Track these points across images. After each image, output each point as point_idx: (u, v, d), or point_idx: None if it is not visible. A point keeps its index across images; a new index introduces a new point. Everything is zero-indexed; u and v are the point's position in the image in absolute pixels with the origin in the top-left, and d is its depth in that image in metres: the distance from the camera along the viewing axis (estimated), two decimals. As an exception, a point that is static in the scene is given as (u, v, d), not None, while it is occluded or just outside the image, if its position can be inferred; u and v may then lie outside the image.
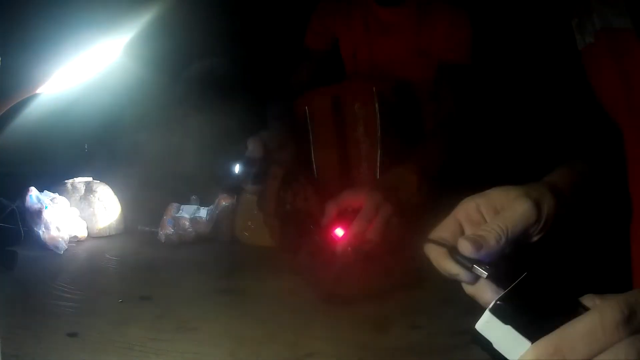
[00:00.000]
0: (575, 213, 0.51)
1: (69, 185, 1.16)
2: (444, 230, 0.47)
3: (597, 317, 0.29)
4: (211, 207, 1.14)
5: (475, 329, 0.35)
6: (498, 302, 0.34)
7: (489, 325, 0.34)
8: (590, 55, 0.56)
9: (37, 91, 0.68)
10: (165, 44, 1.26)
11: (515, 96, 1.32)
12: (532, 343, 0.31)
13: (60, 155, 1.41)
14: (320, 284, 0.67)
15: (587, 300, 0.33)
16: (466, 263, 0.41)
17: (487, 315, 0.34)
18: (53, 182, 1.17)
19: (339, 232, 0.77)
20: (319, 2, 1.27)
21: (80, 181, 1.19)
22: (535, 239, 0.46)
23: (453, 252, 0.43)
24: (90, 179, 1.21)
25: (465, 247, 0.41)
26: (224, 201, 1.13)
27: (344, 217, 0.78)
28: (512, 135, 1.32)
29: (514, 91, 1.32)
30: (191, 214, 1.11)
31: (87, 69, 0.73)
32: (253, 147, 0.89)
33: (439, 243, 0.45)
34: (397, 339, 0.62)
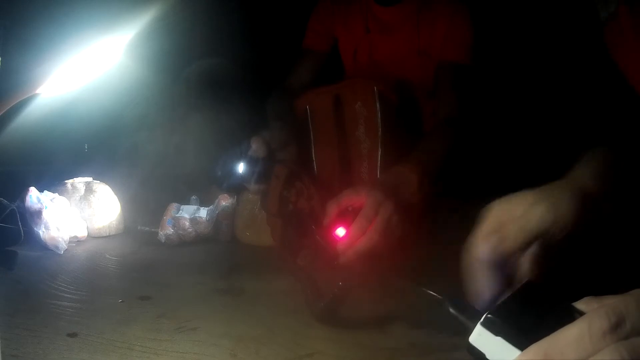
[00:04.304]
0: (609, 210, 0.48)
1: (69, 185, 1.16)
2: (489, 233, 0.44)
3: (585, 325, 0.29)
4: (211, 207, 1.14)
5: (469, 342, 0.35)
6: (489, 315, 0.35)
7: (481, 338, 0.35)
8: (614, 30, 0.55)
9: (37, 91, 0.68)
10: (165, 44, 1.26)
11: (532, 81, 1.32)
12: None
13: (60, 155, 1.41)
14: (318, 305, 0.66)
15: (584, 304, 0.33)
16: (465, 319, 0.37)
17: (478, 328, 0.35)
18: (53, 182, 1.17)
19: (340, 231, 0.77)
20: (318, 2, 1.27)
21: (80, 181, 1.19)
22: (560, 242, 0.43)
23: (447, 302, 0.39)
24: (90, 179, 1.21)
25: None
26: (224, 201, 1.13)
27: (344, 217, 0.78)
28: (528, 125, 1.33)
29: (532, 76, 1.32)
30: (191, 214, 1.11)
31: (88, 69, 0.73)
32: (256, 146, 0.89)
33: (430, 295, 0.43)
34: (397, 339, 0.62)
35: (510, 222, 0.44)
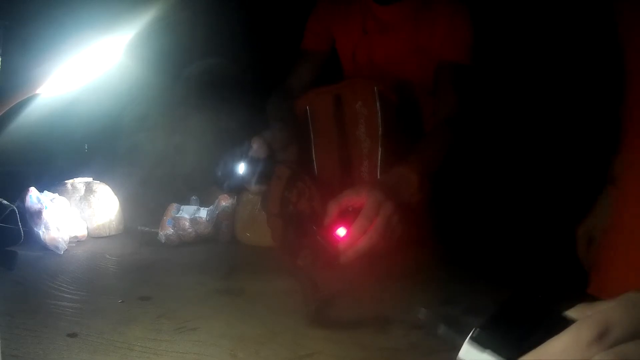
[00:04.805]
0: None
1: (69, 186, 1.16)
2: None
3: (573, 335, 0.30)
4: (211, 207, 1.14)
5: (459, 358, 0.36)
6: (476, 330, 0.35)
7: (469, 354, 0.35)
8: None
9: (37, 91, 0.68)
10: (166, 44, 1.26)
11: (533, 81, 1.33)
12: None
13: (60, 155, 1.41)
14: (309, 308, 0.66)
15: (576, 311, 0.34)
16: (455, 336, 0.38)
17: (466, 344, 0.35)
18: (53, 182, 1.16)
19: (341, 231, 0.77)
20: (317, 3, 1.27)
21: (80, 181, 1.19)
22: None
23: (438, 323, 0.41)
24: (90, 179, 1.21)
25: None
26: (224, 201, 1.13)
27: (345, 217, 0.78)
28: (528, 125, 1.34)
29: (533, 75, 1.34)
30: (191, 215, 1.11)
31: (88, 69, 0.73)
32: (257, 146, 0.89)
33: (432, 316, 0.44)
34: (397, 339, 0.62)
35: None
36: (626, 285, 0.75)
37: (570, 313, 0.33)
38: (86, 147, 1.53)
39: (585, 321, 0.30)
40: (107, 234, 1.15)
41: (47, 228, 0.98)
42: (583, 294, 0.80)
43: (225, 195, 1.14)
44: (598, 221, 0.87)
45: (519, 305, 0.36)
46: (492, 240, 1.09)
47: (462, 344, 0.36)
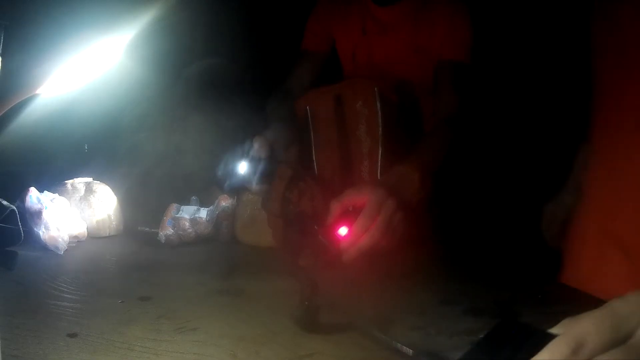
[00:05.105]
0: None
1: (69, 186, 1.16)
2: None
3: (549, 353, 0.31)
4: (211, 207, 1.14)
5: None
6: None
7: None
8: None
9: (37, 92, 0.68)
10: (166, 44, 1.26)
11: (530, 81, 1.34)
12: None
13: (60, 155, 1.41)
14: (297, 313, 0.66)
15: (562, 326, 0.34)
16: None
17: None
18: (53, 182, 1.16)
19: (343, 230, 0.77)
20: (317, 3, 1.27)
21: (80, 181, 1.19)
22: None
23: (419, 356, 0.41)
24: (90, 179, 1.21)
25: None
26: (224, 201, 1.13)
27: (347, 216, 0.78)
28: (526, 125, 1.34)
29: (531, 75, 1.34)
30: (191, 215, 1.11)
31: (88, 69, 0.73)
32: (259, 146, 0.89)
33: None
34: (397, 339, 0.62)
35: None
36: (597, 271, 0.74)
37: (555, 330, 0.33)
38: (86, 147, 1.53)
39: (561, 338, 0.31)
40: (107, 234, 1.15)
41: (47, 228, 0.98)
42: (557, 284, 0.80)
43: (225, 195, 1.14)
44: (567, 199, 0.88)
45: (502, 333, 0.36)
46: (492, 240, 1.09)
47: None
